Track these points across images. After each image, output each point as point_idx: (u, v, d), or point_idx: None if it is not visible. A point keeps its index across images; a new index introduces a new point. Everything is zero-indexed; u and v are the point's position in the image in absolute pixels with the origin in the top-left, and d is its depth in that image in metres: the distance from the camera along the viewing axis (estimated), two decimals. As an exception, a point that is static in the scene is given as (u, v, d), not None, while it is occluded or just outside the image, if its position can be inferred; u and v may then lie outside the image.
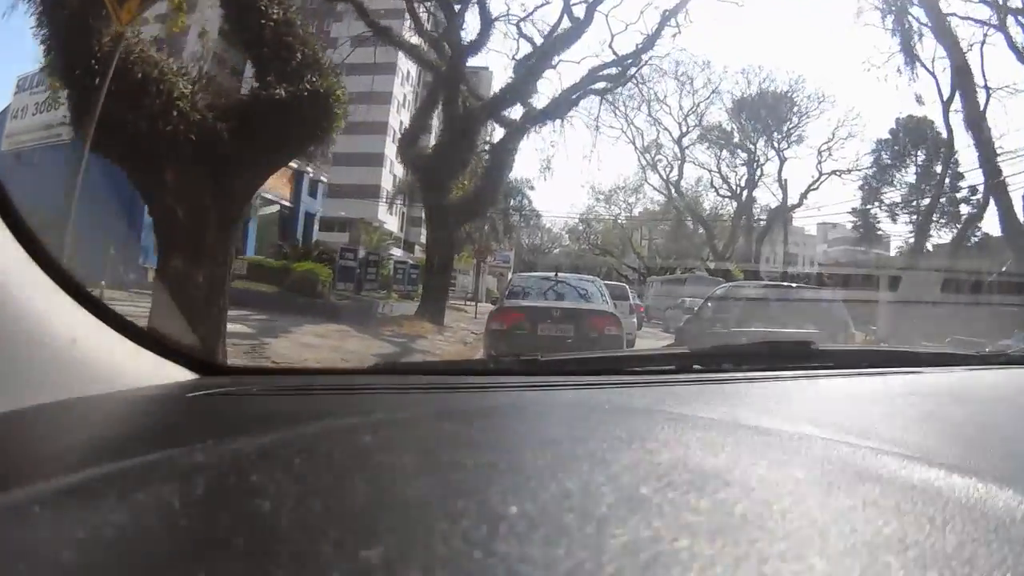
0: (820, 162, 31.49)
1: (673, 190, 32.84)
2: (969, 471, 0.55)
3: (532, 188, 33.09)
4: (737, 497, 0.40)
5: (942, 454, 0.76)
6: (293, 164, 21.25)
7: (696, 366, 1.37)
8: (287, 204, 22.06)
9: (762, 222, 32.54)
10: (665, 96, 29.89)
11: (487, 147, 16.14)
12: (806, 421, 0.93)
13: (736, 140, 32.32)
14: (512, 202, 31.53)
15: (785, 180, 31.18)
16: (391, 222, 38.55)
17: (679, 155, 32.40)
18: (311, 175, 23.32)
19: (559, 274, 8.12)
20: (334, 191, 33.44)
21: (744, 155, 32.48)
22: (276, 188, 21.00)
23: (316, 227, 23.93)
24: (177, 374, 1.02)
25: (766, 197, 33.40)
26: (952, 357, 1.70)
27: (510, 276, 9.39)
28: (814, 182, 30.90)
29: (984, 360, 1.64)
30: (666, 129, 32.09)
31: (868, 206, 30.79)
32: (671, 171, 32.99)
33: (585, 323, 6.40)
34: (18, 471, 0.60)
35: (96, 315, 0.92)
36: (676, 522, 0.36)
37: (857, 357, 1.60)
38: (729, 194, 33.62)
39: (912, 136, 28.74)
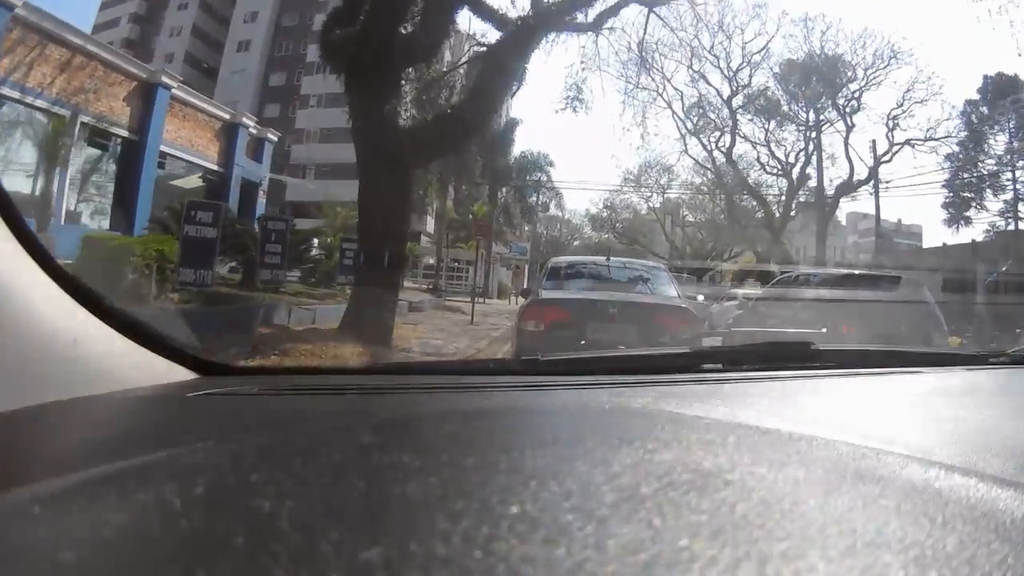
0: (890, 130, 24.76)
1: (725, 159, 26.29)
2: (969, 471, 0.55)
3: (552, 164, 28.43)
4: (737, 497, 0.40)
5: (942, 454, 0.76)
6: (224, 115, 16.23)
7: (696, 366, 1.37)
8: (214, 168, 15.92)
9: (802, 202, 26.09)
10: (712, 46, 24.32)
11: (477, 48, 10.61)
12: (806, 421, 0.93)
13: (786, 109, 25.96)
14: (529, 178, 27.58)
15: (873, 141, 24.46)
16: None
17: (729, 120, 25.85)
18: (253, 131, 16.98)
19: (611, 258, 6.15)
20: (321, 171, 30.01)
21: (799, 123, 26.01)
22: (198, 146, 15.28)
23: (262, 199, 17.65)
24: (177, 374, 1.02)
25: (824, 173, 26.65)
26: (952, 357, 1.70)
27: (549, 261, 6.91)
28: (885, 153, 24.50)
29: (984, 360, 1.64)
30: (712, 87, 25.59)
31: (961, 178, 24.59)
32: (719, 138, 26.47)
33: (653, 322, 4.77)
34: (18, 471, 0.60)
35: (97, 315, 0.92)
36: (676, 522, 0.36)
37: (857, 357, 1.60)
38: (779, 171, 26.72)
39: (1005, 96, 23.10)
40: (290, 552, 0.32)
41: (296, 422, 0.79)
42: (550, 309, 5.06)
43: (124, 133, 13.20)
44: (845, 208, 28.24)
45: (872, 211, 26.94)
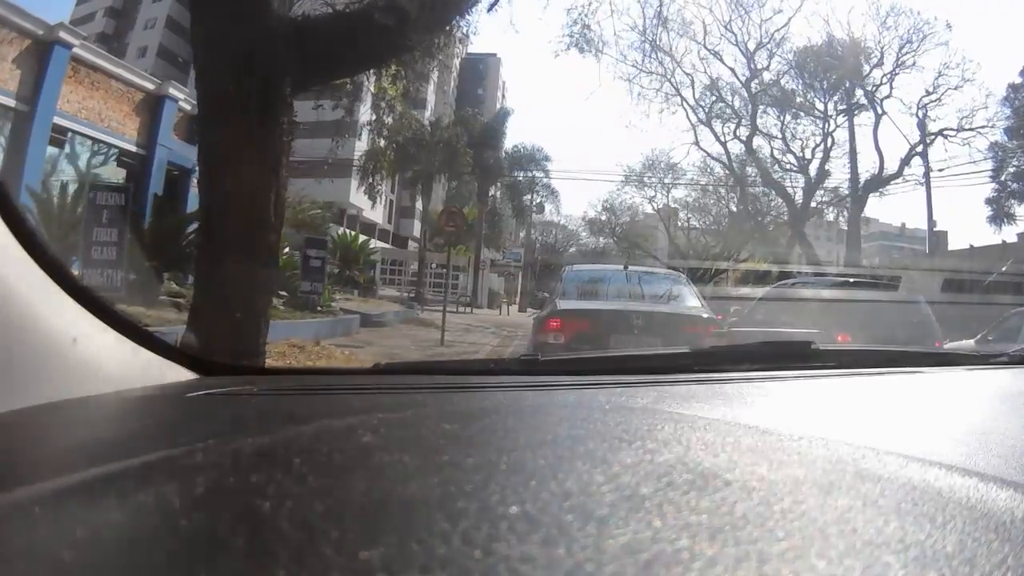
0: (921, 120, 21.99)
1: (744, 149, 23.38)
2: (969, 471, 0.55)
3: (548, 159, 26.22)
4: (737, 497, 0.40)
5: (942, 454, 0.76)
6: (146, 84, 12.98)
7: (696, 366, 1.37)
8: (132, 148, 12.60)
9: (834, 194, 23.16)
10: (729, 21, 22.08)
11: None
12: (806, 421, 0.93)
13: (807, 97, 23.18)
14: (523, 174, 25.59)
15: (920, 120, 21.45)
16: (373, 210, 30.51)
17: (747, 106, 23.06)
18: (185, 105, 13.24)
19: (629, 267, 6.10)
20: (295, 170, 28.34)
21: (819, 114, 23.18)
22: (110, 120, 12.20)
23: (196, 189, 11.57)
24: (177, 374, 1.02)
25: (842, 165, 23.63)
26: (952, 357, 1.70)
27: (564, 269, 6.46)
28: (917, 144, 21.75)
29: (984, 360, 1.64)
30: (729, 68, 23.39)
31: (1007, 170, 21.42)
32: (736, 127, 23.51)
33: (679, 333, 4.67)
34: (18, 471, 0.60)
35: (97, 315, 0.92)
36: (676, 522, 0.36)
37: (857, 357, 1.60)
38: (796, 167, 23.69)
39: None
40: (290, 552, 0.32)
41: (296, 422, 0.79)
42: (571, 320, 4.86)
43: (11, 103, 10.29)
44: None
45: (874, 215, 24.89)
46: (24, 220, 0.85)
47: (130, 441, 0.72)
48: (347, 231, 18.17)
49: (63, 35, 11.01)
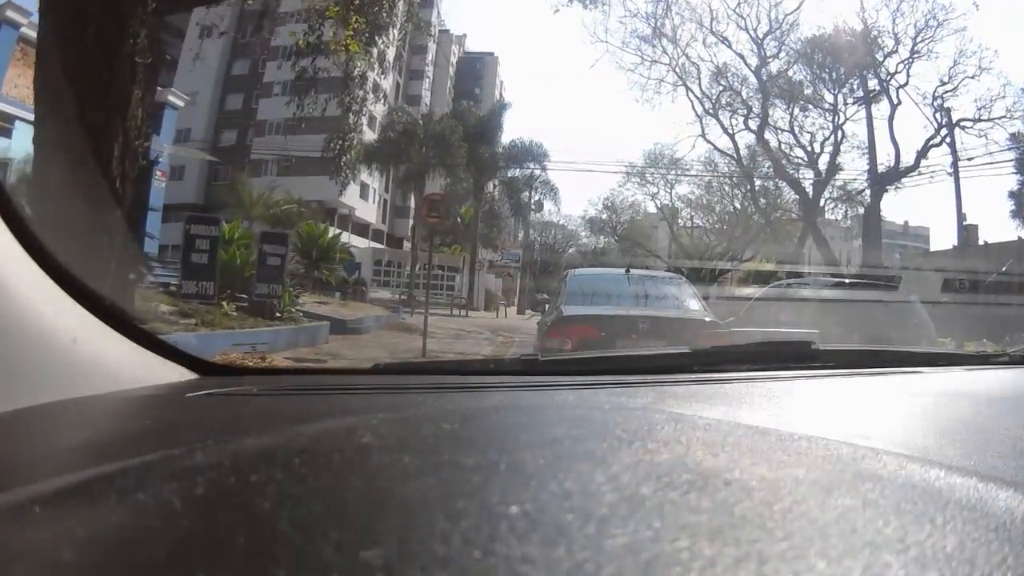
0: (942, 108, 20.51)
1: (756, 139, 22.11)
2: (969, 471, 0.55)
3: (546, 156, 24.91)
4: (737, 497, 0.40)
5: (942, 454, 0.76)
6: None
7: (696, 366, 1.37)
8: None
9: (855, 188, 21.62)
10: (738, 4, 20.90)
11: None
12: (806, 421, 0.93)
13: (818, 88, 21.86)
14: (519, 172, 24.45)
15: (947, 109, 20.00)
16: (365, 209, 29.71)
17: (757, 95, 21.80)
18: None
19: (631, 271, 6.06)
20: (284, 168, 25.90)
21: (828, 104, 21.84)
22: None
23: (160, 182, 13.63)
24: (177, 374, 1.02)
25: (852, 159, 22.36)
26: (952, 357, 1.70)
27: (567, 273, 6.53)
28: (936, 132, 20.24)
29: (984, 360, 1.65)
30: (738, 55, 21.59)
31: None
32: (745, 117, 22.22)
33: (683, 337, 4.63)
34: (18, 471, 0.60)
35: (96, 315, 0.92)
36: (676, 522, 0.36)
37: (857, 357, 1.60)
38: (806, 160, 22.40)
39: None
40: (290, 552, 0.32)
41: (296, 422, 0.79)
42: (577, 326, 4.87)
43: (-47, 88, 9.11)
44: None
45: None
46: (24, 220, 0.85)
47: (130, 441, 0.72)
48: (315, 223, 16.30)
49: (10, 14, 9.96)
